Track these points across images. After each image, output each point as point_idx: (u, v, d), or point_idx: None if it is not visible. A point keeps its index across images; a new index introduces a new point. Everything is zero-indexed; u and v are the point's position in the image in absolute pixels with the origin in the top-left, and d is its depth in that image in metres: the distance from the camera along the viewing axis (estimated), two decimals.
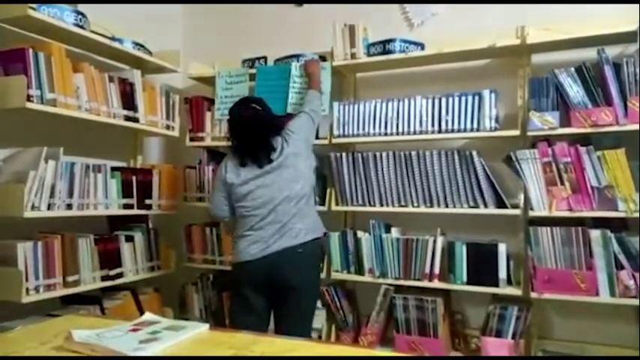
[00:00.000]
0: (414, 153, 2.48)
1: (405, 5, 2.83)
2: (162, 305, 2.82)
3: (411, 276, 2.49)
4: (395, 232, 2.57)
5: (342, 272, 2.67)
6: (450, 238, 2.47)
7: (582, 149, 2.15)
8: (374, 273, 2.57)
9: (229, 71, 2.93)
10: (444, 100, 2.46)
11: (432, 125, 2.48)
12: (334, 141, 2.69)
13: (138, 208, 2.64)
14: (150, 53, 2.81)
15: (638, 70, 2.06)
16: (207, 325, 1.32)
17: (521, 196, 2.32)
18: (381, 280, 2.56)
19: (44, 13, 2.15)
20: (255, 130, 2.23)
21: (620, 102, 2.11)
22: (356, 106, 2.64)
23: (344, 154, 2.64)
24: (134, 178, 2.63)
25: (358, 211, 2.72)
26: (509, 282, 2.35)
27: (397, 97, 2.56)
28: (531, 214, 2.27)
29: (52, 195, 2.12)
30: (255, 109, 2.28)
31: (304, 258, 2.15)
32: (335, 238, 2.66)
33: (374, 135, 2.59)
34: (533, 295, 2.24)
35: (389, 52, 2.59)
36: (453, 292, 2.56)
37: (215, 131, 2.94)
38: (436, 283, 2.45)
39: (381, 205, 2.59)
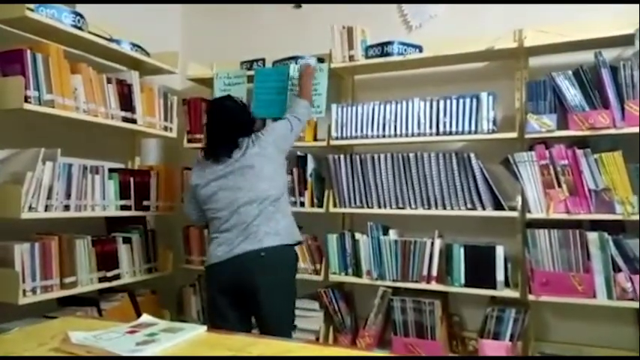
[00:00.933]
0: (411, 155, 2.49)
1: (404, 7, 2.83)
2: (160, 307, 2.81)
3: (408, 278, 2.49)
4: (393, 234, 2.57)
5: (339, 274, 2.66)
6: (447, 240, 2.48)
7: (580, 152, 2.15)
8: (372, 275, 2.57)
9: (227, 73, 2.93)
10: (441, 103, 2.46)
11: (430, 127, 2.48)
12: (332, 143, 2.69)
13: (135, 209, 2.64)
14: (148, 54, 2.81)
15: (635, 73, 2.07)
16: (204, 327, 1.32)
17: (519, 199, 2.33)
18: (378, 282, 2.56)
19: (42, 14, 2.15)
20: (221, 122, 2.24)
21: (618, 105, 2.11)
22: (354, 108, 2.64)
23: (342, 156, 2.64)
24: (132, 179, 2.62)
25: (356, 213, 2.72)
26: (506, 284, 2.35)
27: (395, 99, 2.57)
28: (529, 216, 2.27)
29: (49, 196, 2.12)
30: (228, 103, 2.30)
31: (269, 260, 2.08)
32: (333, 240, 2.66)
33: (372, 137, 2.59)
34: (531, 297, 2.24)
35: (387, 54, 2.60)
36: (450, 294, 2.56)
37: None
38: (434, 286, 2.45)
39: (379, 207, 2.59)
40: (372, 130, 2.59)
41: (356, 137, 2.63)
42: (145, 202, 2.71)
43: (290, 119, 2.34)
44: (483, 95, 2.38)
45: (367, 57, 2.66)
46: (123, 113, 2.55)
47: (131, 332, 1.25)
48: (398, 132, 2.54)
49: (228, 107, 2.30)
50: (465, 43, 2.43)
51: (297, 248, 2.27)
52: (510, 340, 2.29)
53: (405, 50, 2.59)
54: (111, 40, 2.57)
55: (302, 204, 2.73)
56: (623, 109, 2.10)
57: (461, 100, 2.42)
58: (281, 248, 2.12)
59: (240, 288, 2.10)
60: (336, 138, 2.68)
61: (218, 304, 2.17)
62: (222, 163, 2.19)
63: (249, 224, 2.10)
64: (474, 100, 2.40)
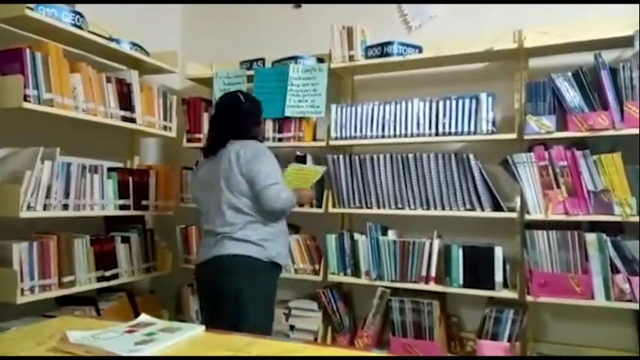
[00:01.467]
0: (411, 156, 2.49)
1: (404, 7, 2.83)
2: (158, 307, 2.81)
3: (407, 278, 2.49)
4: (392, 235, 2.57)
5: (338, 274, 2.66)
6: (446, 240, 2.48)
7: (578, 153, 2.16)
8: (370, 275, 2.57)
9: (227, 72, 2.93)
10: (441, 103, 2.46)
11: (430, 128, 2.48)
12: (332, 143, 2.69)
13: (134, 209, 2.63)
14: (147, 54, 2.81)
15: (634, 75, 2.07)
16: (203, 327, 1.32)
17: (518, 200, 2.33)
18: (377, 283, 2.56)
19: (42, 13, 2.15)
20: (215, 117, 2.24)
21: (617, 106, 2.11)
22: (353, 109, 2.64)
23: (341, 157, 2.64)
24: (131, 178, 2.62)
25: (355, 213, 2.72)
26: (505, 285, 2.36)
27: (395, 99, 2.57)
28: (527, 217, 2.27)
29: (48, 195, 2.11)
30: (227, 100, 2.25)
31: (234, 266, 2.05)
32: (332, 240, 2.66)
33: (371, 137, 2.59)
34: (529, 298, 2.24)
35: (387, 54, 2.60)
36: (449, 294, 2.56)
37: None
38: (432, 286, 2.45)
39: (378, 208, 2.59)
40: (372, 130, 2.59)
41: (355, 137, 2.63)
42: (144, 202, 2.71)
43: (279, 186, 2.07)
44: (483, 96, 2.38)
45: (367, 57, 2.66)
46: (122, 112, 2.55)
47: (129, 332, 1.24)
48: (397, 132, 2.54)
49: (224, 104, 2.26)
50: (464, 43, 2.43)
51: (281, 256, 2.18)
52: (508, 340, 2.29)
53: (405, 50, 2.59)
54: (110, 39, 2.57)
55: (301, 204, 2.73)
56: (622, 111, 2.10)
57: (460, 101, 2.42)
58: (246, 257, 2.04)
59: (213, 290, 2.12)
60: (336, 138, 2.68)
61: (204, 302, 2.22)
62: (207, 166, 2.18)
63: (220, 231, 2.09)
64: (474, 101, 2.40)
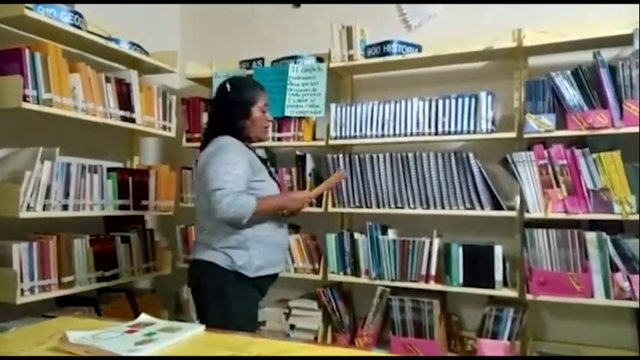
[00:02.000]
0: (410, 155, 2.49)
1: (403, 7, 2.83)
2: (158, 307, 2.81)
3: (407, 277, 2.50)
4: (391, 234, 2.57)
5: (338, 274, 2.66)
6: (446, 239, 2.48)
7: (578, 152, 2.16)
8: (370, 274, 2.57)
9: (227, 72, 2.92)
10: (440, 102, 2.46)
11: (429, 127, 2.48)
12: (331, 142, 2.69)
13: (134, 209, 2.63)
14: (147, 54, 2.80)
15: (634, 73, 2.07)
16: (203, 327, 1.32)
17: (517, 198, 2.33)
18: (377, 282, 2.56)
19: (41, 13, 2.14)
20: (210, 105, 2.13)
21: (616, 105, 2.12)
22: (353, 108, 2.64)
23: (341, 156, 2.64)
24: (130, 178, 2.62)
25: (355, 212, 2.72)
26: (505, 284, 2.36)
27: (394, 98, 2.57)
28: (527, 216, 2.27)
29: (47, 195, 2.11)
30: (219, 88, 2.02)
31: (194, 272, 1.98)
32: (332, 239, 2.66)
33: (371, 137, 2.59)
34: (529, 296, 2.24)
35: (386, 53, 2.60)
36: (449, 293, 2.56)
37: None
38: (432, 285, 2.45)
39: (378, 207, 2.59)
40: (371, 129, 2.59)
41: (355, 137, 2.63)
42: (144, 202, 2.71)
43: (224, 192, 1.77)
44: (482, 95, 2.38)
45: (366, 56, 2.66)
46: (121, 112, 2.54)
47: (129, 332, 1.24)
48: (397, 132, 2.54)
49: (216, 94, 2.06)
50: (464, 42, 2.43)
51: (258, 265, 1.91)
52: (508, 339, 2.29)
53: (404, 50, 2.59)
54: (109, 39, 2.57)
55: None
56: (621, 109, 2.11)
57: (460, 100, 2.42)
58: (210, 264, 1.87)
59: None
60: (335, 138, 2.67)
61: None
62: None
63: (197, 234, 2.04)
64: (473, 100, 2.40)
